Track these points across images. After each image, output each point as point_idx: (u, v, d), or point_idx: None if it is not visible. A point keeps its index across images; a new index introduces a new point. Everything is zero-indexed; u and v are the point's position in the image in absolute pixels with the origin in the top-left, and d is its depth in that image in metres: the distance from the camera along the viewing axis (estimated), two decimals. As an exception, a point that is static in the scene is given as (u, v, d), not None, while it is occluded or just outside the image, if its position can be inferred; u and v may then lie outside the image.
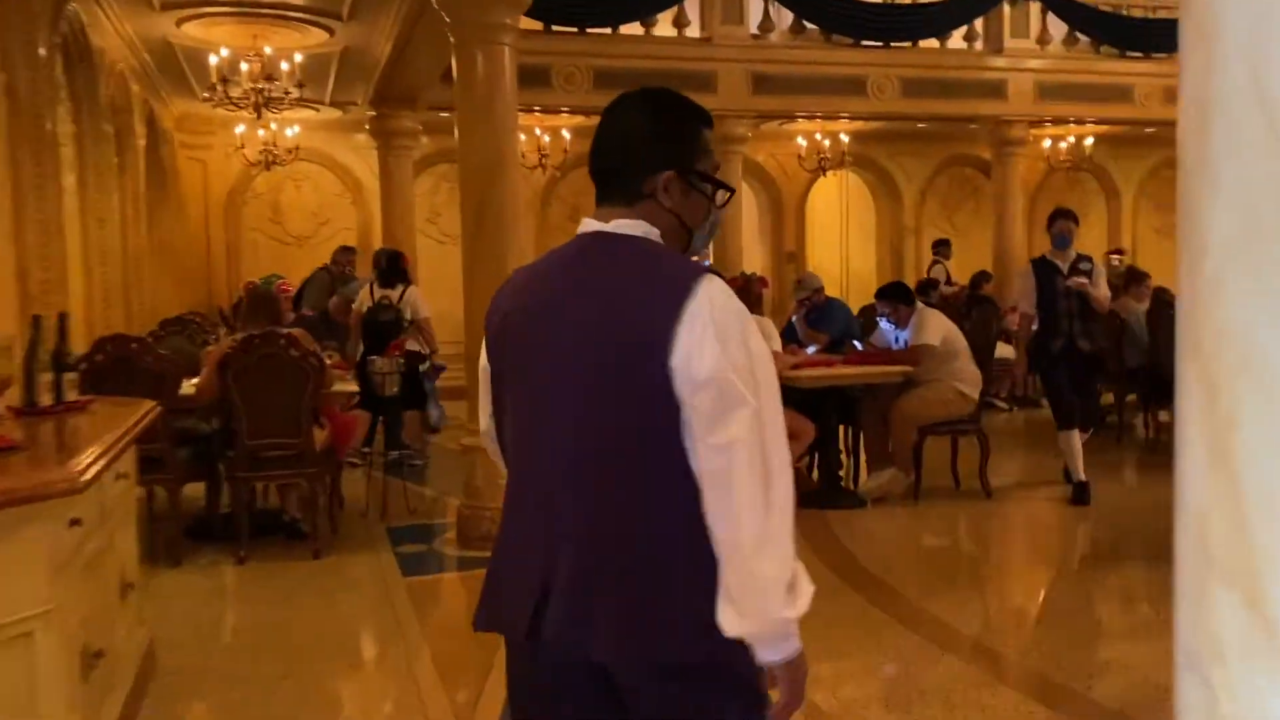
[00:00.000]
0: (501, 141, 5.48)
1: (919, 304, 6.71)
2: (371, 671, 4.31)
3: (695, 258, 1.74)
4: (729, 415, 1.44)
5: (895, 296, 6.67)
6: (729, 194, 1.67)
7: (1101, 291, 6.27)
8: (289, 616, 4.69)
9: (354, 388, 5.93)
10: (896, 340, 6.67)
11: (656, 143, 1.59)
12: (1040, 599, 5.23)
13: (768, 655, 1.48)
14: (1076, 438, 6.25)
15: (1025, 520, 6.39)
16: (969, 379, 6.41)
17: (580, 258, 1.60)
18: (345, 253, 9.69)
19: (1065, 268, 6.20)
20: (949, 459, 6.77)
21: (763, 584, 1.44)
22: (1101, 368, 6.66)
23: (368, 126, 10.64)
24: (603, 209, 1.61)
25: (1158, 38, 11.52)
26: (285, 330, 5.49)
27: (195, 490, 5.99)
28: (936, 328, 6.41)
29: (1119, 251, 12.82)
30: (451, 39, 5.52)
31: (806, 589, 1.47)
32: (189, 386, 5.61)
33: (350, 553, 5.61)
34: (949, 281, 11.51)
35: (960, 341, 6.46)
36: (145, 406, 3.67)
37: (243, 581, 5.23)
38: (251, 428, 5.30)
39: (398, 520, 6.20)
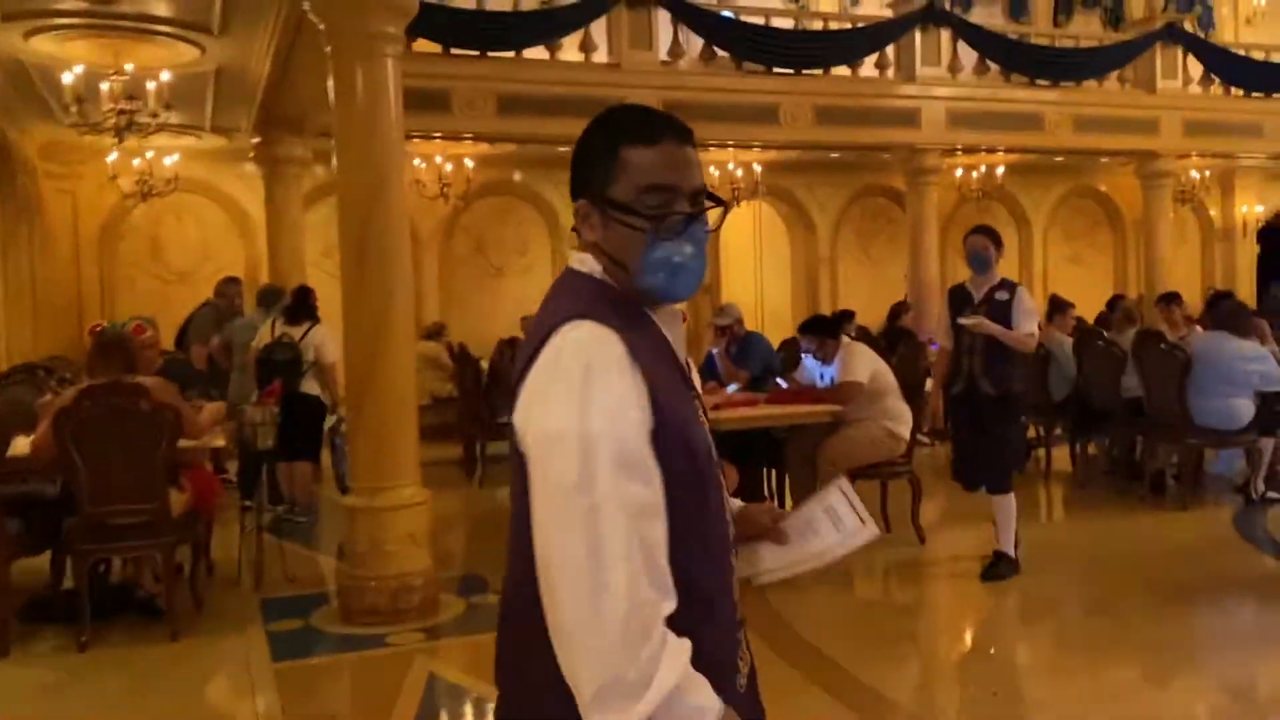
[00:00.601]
0: (385, 163, 4.90)
1: (845, 338, 6.31)
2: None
3: (672, 303, 1.44)
4: (537, 493, 1.26)
5: (821, 330, 6.26)
6: (647, 223, 1.36)
7: (1021, 330, 5.16)
8: (133, 716, 3.99)
9: (220, 441, 5.24)
10: (821, 376, 6.25)
11: (574, 169, 1.44)
12: (976, 658, 4.81)
13: None
14: (1011, 503, 5.43)
15: (959, 568, 5.96)
16: (899, 417, 6.00)
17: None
18: (230, 284, 8.92)
19: (979, 296, 5.33)
20: (879, 502, 6.35)
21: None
22: (1012, 414, 5.42)
23: (252, 154, 9.92)
24: None
25: (1063, 67, 11.59)
26: (136, 379, 4.79)
27: (41, 563, 5.24)
28: (865, 364, 6.00)
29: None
30: (328, 49, 4.94)
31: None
32: (23, 444, 4.87)
33: (215, 632, 4.90)
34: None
35: (889, 378, 6.06)
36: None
37: (83, 672, 4.48)
38: (95, 492, 4.58)
39: (274, 590, 5.49)
